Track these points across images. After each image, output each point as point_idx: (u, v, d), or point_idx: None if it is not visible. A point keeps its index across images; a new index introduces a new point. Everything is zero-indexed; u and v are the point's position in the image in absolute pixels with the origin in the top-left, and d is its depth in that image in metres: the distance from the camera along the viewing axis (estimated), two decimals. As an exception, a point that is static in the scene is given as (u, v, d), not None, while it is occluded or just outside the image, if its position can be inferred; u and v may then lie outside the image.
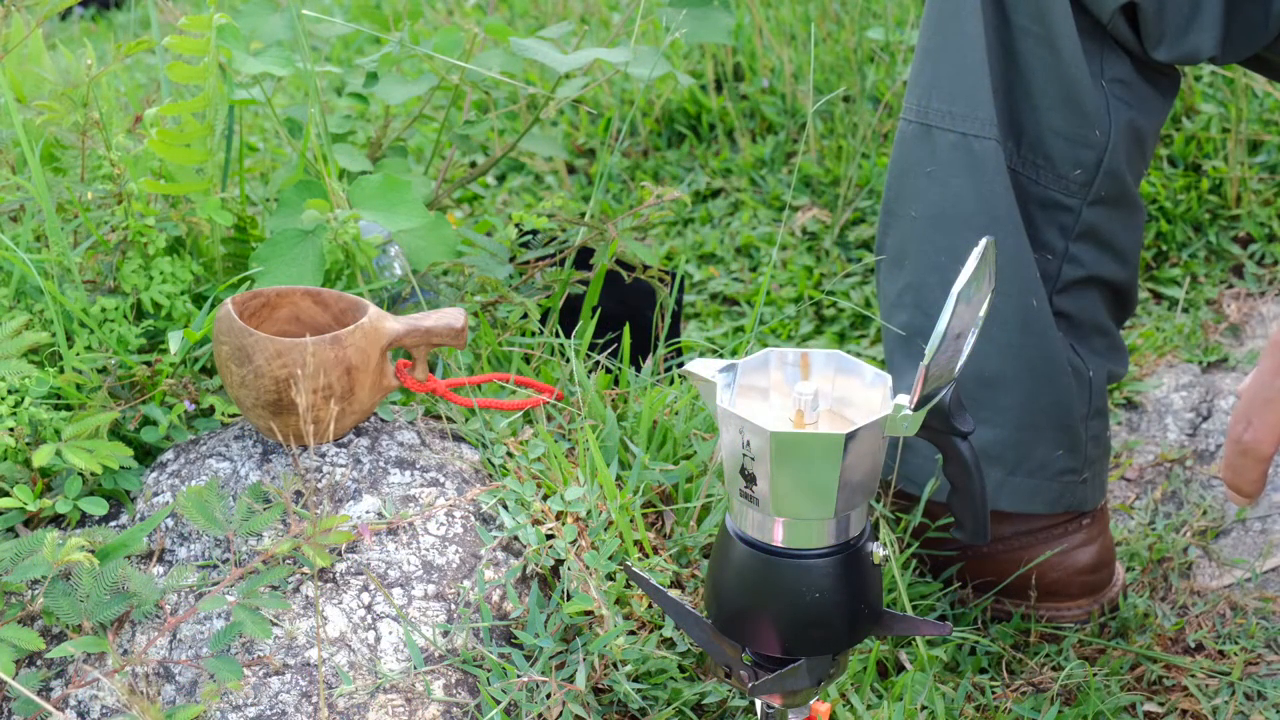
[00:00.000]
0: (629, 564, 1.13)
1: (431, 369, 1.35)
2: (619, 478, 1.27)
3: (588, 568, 1.18)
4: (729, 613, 1.01)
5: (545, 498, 1.24)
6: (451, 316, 1.22)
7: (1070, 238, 1.36)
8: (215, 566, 1.16)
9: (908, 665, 1.32)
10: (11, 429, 1.20)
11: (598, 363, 1.45)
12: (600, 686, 1.17)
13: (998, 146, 1.31)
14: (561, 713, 1.12)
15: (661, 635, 1.20)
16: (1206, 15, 1.26)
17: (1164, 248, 2.01)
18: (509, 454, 1.27)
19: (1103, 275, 1.39)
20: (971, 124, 1.31)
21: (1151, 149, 1.39)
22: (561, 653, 1.16)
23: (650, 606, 1.21)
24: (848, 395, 1.00)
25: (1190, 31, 1.27)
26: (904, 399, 0.95)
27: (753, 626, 1.00)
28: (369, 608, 1.14)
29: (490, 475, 1.26)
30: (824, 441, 0.93)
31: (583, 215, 1.91)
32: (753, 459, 0.94)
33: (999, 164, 1.31)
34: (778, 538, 0.97)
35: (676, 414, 1.36)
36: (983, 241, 0.93)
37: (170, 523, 1.19)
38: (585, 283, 1.55)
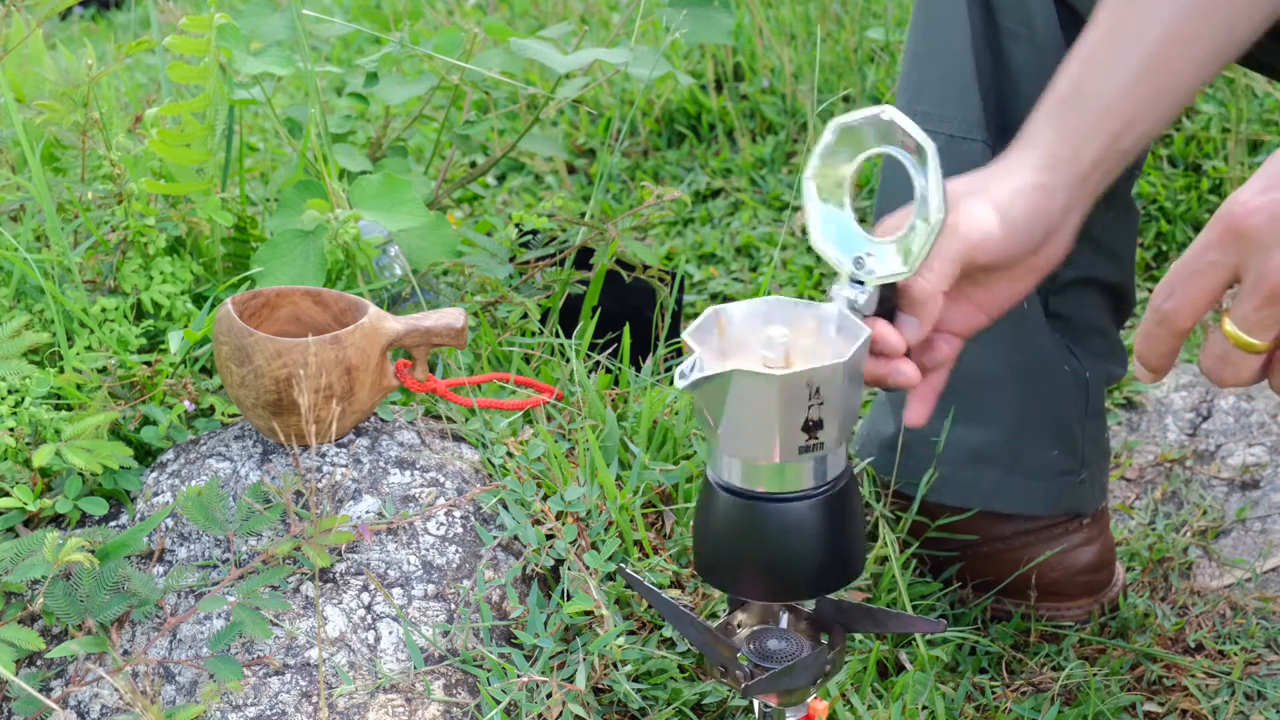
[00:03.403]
0: (625, 568, 1.13)
1: (431, 369, 1.35)
2: (619, 478, 1.27)
3: (588, 568, 1.18)
4: (709, 560, 1.01)
5: (545, 498, 1.24)
6: (451, 316, 1.22)
7: None
8: (215, 566, 1.16)
9: (908, 665, 1.32)
10: (11, 429, 1.20)
11: (598, 363, 1.45)
12: (600, 686, 1.17)
13: (985, 148, 1.30)
14: (561, 713, 1.12)
15: (661, 635, 1.20)
16: None
17: (1164, 248, 2.01)
18: (509, 454, 1.27)
19: (1097, 276, 1.38)
20: (959, 126, 1.31)
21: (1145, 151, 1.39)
22: (561, 653, 1.16)
23: (650, 607, 1.21)
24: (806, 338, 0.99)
25: None
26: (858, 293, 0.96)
27: (735, 572, 1.00)
28: (369, 608, 1.14)
29: (490, 475, 1.26)
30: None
31: (583, 215, 1.91)
32: (824, 403, 0.93)
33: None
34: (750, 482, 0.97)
35: (676, 414, 1.36)
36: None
37: (170, 523, 1.19)
38: (585, 283, 1.55)
